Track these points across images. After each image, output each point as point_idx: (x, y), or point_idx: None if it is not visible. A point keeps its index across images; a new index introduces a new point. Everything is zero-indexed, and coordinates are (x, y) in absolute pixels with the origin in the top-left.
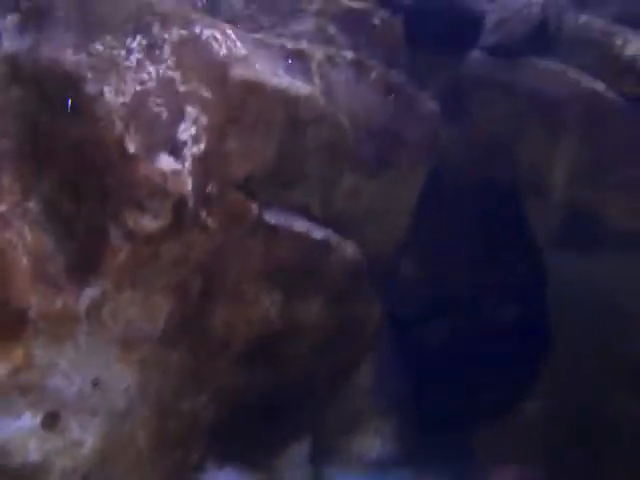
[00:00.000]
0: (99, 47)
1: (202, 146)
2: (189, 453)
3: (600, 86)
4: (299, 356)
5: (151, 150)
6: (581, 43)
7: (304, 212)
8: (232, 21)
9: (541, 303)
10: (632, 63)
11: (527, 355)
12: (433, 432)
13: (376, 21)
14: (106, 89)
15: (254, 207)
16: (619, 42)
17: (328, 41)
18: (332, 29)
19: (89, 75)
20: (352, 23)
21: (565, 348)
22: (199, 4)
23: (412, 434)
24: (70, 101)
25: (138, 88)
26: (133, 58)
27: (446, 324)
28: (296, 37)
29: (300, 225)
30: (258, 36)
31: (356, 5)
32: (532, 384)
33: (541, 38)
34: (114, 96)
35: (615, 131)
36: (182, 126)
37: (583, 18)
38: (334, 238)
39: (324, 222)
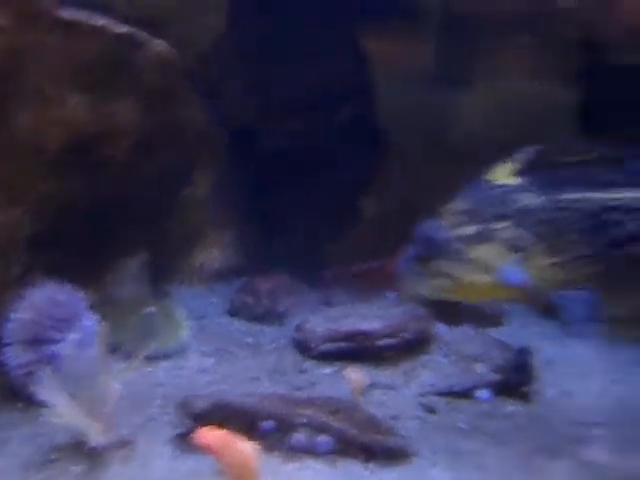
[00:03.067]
0: None
1: None
2: (9, 266)
3: None
4: (119, 162)
5: None
6: None
7: (107, 11)
8: None
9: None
10: None
11: (364, 154)
12: (275, 241)
13: None
14: None
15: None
16: None
17: None
18: None
19: None
20: None
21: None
22: None
23: (254, 244)
24: None
25: None
26: None
27: (283, 129)
28: None
29: (101, 20)
30: None
31: None
32: (370, 183)
33: None
34: None
35: None
36: None
37: None
38: (141, 34)
39: (131, 22)
